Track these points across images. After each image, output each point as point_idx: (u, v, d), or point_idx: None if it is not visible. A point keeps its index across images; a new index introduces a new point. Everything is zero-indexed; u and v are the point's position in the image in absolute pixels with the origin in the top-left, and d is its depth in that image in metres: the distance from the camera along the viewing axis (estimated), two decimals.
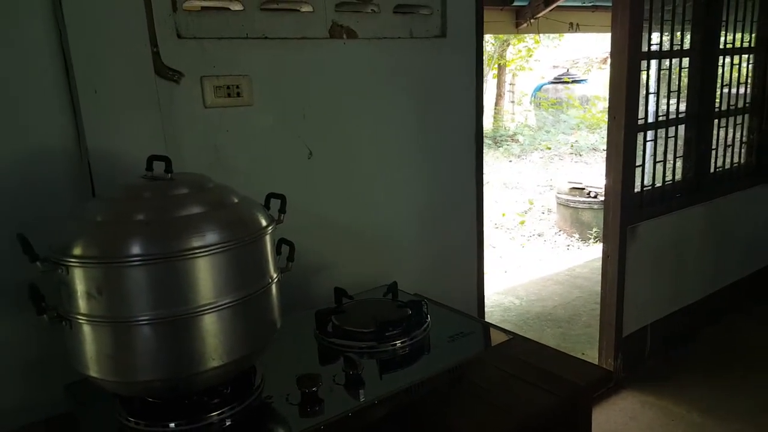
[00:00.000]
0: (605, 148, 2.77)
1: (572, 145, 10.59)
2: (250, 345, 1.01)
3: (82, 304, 0.89)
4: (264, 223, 1.03)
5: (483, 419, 1.12)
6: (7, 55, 1.13)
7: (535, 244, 6.04)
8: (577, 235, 5.97)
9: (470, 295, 2.03)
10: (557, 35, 12.30)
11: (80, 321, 0.90)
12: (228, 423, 0.99)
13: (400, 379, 1.13)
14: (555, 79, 13.35)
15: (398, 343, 1.24)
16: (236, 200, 1.03)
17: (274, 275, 1.06)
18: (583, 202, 5.90)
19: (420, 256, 1.85)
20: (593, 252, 5.17)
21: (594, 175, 6.17)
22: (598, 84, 12.86)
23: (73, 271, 0.88)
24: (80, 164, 1.23)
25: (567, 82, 12.92)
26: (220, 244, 0.93)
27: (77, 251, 0.88)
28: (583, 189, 5.91)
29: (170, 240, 0.89)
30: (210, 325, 0.93)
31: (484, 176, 2.05)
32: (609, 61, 2.64)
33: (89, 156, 1.21)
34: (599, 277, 2.82)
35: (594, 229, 5.78)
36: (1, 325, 1.17)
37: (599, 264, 2.82)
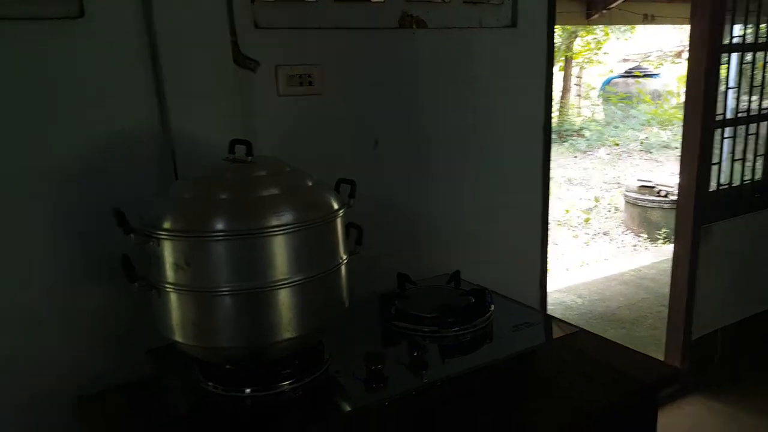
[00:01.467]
0: (677, 146, 2.67)
1: (642, 142, 10.19)
2: (321, 320, 1.06)
3: (170, 274, 0.97)
4: (336, 206, 1.07)
5: (543, 409, 1.12)
6: (101, 44, 1.21)
7: (600, 243, 5.88)
8: (644, 235, 5.77)
9: (533, 290, 2.01)
10: (628, 27, 11.82)
11: (168, 289, 0.98)
12: (298, 392, 1.05)
13: (462, 363, 1.16)
14: (625, 72, 12.84)
15: (461, 329, 1.26)
16: (310, 184, 1.08)
17: (344, 256, 1.10)
18: (653, 201, 5.69)
19: (483, 248, 1.85)
20: (662, 253, 4.98)
21: (664, 173, 5.94)
22: (671, 79, 12.28)
23: (164, 244, 0.96)
24: (164, 147, 1.31)
25: (638, 76, 12.40)
26: (295, 223, 0.98)
27: (167, 225, 0.95)
28: (653, 187, 5.70)
29: (251, 218, 0.95)
30: (285, 298, 0.99)
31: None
32: (684, 54, 2.54)
33: (173, 139, 1.29)
34: (667, 279, 2.72)
35: (663, 230, 5.57)
36: (90, 294, 1.28)
37: (668, 265, 2.72)
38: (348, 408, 1.02)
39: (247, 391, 1.03)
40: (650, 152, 9.73)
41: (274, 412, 1.02)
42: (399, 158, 1.65)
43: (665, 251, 4.89)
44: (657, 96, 11.93)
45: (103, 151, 1.25)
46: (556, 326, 1.35)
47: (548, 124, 1.94)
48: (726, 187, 2.75)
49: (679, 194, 2.64)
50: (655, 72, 12.95)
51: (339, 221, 1.08)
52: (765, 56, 2.76)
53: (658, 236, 5.61)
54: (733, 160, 2.76)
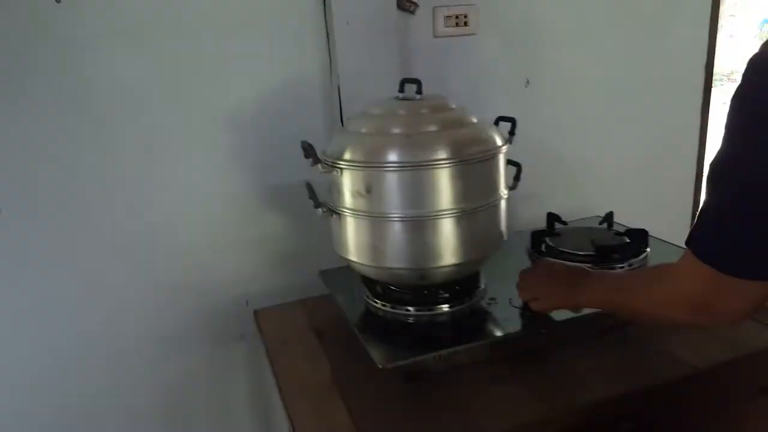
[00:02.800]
0: None
1: None
2: (481, 250, 1.13)
3: (349, 200, 1.08)
4: (499, 142, 1.11)
5: (698, 347, 1.10)
6: None
7: None
8: None
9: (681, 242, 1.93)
10: None
11: (346, 214, 1.10)
12: (457, 315, 1.14)
13: None
14: None
15: (617, 267, 1.26)
16: (475, 120, 1.13)
17: (505, 191, 1.15)
18: None
19: (632, 195, 1.79)
20: None
21: None
22: None
23: (345, 173, 1.07)
24: (331, 88, 1.42)
25: None
26: (461, 157, 1.03)
27: (348, 156, 1.06)
28: None
29: (421, 151, 1.02)
30: (448, 227, 1.06)
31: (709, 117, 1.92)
32: None
33: (339, 81, 1.39)
34: None
35: None
36: (266, 219, 1.45)
37: None
38: (499, 333, 1.09)
39: (410, 309, 1.14)
40: None
41: (434, 330, 1.12)
42: (550, 99, 1.64)
43: None
44: None
45: (283, 91, 1.39)
46: None
47: (710, 66, 1.83)
48: None
49: None
50: None
51: (501, 157, 1.12)
52: None
53: None
54: None
